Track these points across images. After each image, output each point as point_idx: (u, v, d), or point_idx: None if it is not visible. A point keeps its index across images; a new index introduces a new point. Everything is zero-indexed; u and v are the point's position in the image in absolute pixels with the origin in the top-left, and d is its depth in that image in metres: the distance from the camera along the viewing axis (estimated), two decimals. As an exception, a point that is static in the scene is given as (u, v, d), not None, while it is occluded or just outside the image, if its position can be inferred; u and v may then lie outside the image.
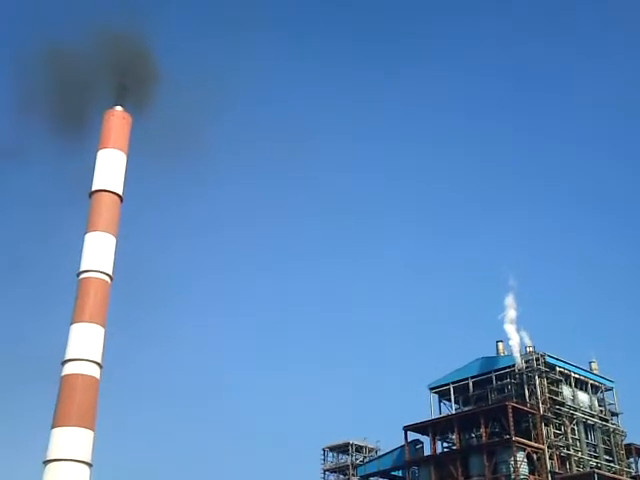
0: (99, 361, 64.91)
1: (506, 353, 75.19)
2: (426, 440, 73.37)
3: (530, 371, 71.09)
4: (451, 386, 75.63)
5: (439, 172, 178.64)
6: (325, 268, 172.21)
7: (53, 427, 61.64)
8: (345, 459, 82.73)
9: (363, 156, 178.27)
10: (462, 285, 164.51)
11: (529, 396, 70.27)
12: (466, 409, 74.58)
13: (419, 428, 73.01)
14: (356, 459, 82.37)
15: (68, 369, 63.69)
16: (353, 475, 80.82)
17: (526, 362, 71.83)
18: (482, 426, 67.96)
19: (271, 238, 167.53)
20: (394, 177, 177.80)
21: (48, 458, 60.50)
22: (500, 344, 76.53)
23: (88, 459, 61.43)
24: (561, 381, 73.04)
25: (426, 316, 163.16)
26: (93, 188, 71.33)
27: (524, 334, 73.85)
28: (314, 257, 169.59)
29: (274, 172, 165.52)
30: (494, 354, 76.21)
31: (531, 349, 72.98)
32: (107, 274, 68.27)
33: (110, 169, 72.35)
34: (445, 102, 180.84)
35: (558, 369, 73.42)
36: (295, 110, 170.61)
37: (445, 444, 74.89)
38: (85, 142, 77.43)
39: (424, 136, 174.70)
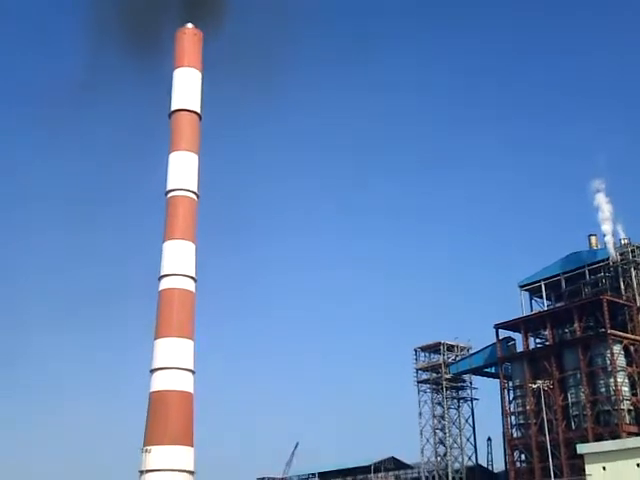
0: (193, 275, 67.58)
1: (599, 247, 72.97)
2: (518, 337, 73.24)
3: (625, 264, 68.82)
4: (542, 283, 74.37)
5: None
6: (414, 179, 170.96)
7: (156, 338, 65.08)
8: (437, 358, 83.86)
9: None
10: (552, 177, 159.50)
11: (625, 289, 68.35)
12: (558, 305, 73.57)
13: (511, 326, 72.79)
14: (448, 358, 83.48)
15: (165, 284, 66.69)
16: (446, 373, 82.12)
17: (621, 255, 69.47)
18: (576, 321, 66.96)
19: (351, 152, 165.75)
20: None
21: (154, 367, 64.15)
22: (593, 238, 74.15)
23: (190, 366, 64.89)
24: (659, 272, 70.51)
25: (514, 210, 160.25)
26: (172, 108, 72.21)
27: (618, 226, 71.21)
28: (400, 171, 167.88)
29: (348, 85, 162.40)
30: (586, 248, 74.12)
31: (626, 241, 70.32)
32: (193, 192, 70.03)
33: (186, 88, 72.84)
34: None
35: (655, 260, 70.75)
36: (369, 24, 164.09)
37: (537, 340, 74.55)
38: (160, 62, 77.79)
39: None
